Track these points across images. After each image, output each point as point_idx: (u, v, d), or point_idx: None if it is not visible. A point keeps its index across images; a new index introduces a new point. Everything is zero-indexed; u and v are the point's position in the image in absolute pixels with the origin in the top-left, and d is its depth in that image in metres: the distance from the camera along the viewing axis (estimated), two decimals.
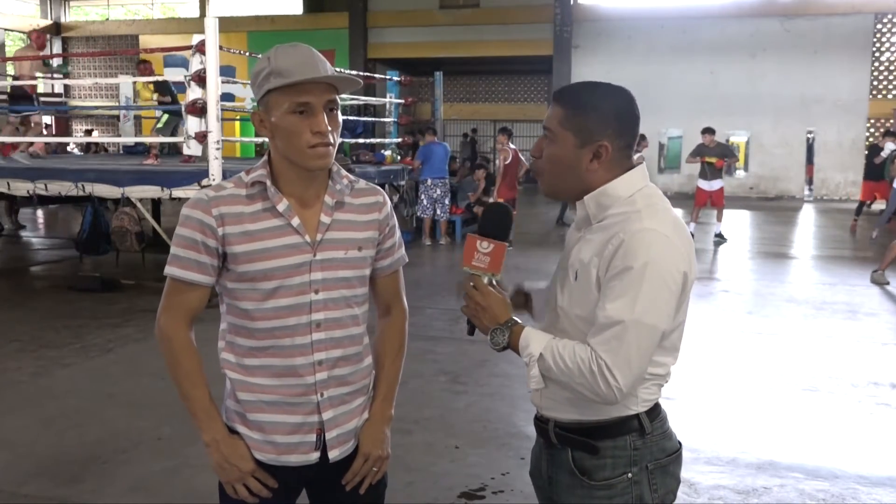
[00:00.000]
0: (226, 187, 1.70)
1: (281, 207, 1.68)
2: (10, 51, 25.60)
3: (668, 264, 1.49)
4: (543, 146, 1.64)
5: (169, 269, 1.70)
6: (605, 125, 1.57)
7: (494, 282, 1.67)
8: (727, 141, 20.98)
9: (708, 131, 11.88)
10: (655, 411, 1.63)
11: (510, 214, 1.74)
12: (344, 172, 1.77)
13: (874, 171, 13.24)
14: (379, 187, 1.86)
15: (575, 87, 1.63)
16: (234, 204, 1.67)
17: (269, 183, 1.68)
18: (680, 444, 1.70)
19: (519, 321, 1.63)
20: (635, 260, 1.47)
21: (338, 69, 1.81)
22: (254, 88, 1.67)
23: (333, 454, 1.74)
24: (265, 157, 1.74)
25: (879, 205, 14.37)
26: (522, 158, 11.43)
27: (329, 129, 1.64)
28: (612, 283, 1.50)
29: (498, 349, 1.63)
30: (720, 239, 11.81)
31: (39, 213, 15.06)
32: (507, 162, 10.75)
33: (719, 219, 11.99)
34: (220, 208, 1.66)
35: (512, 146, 10.89)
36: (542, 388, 1.58)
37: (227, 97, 11.48)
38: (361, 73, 13.40)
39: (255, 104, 1.72)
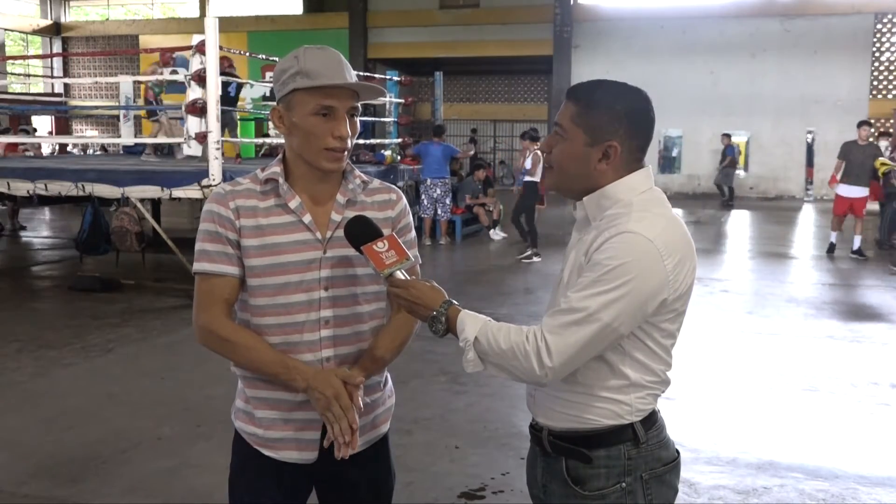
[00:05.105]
0: (242, 183, 1.73)
1: (293, 204, 1.70)
2: (10, 51, 25.62)
3: (644, 276, 1.46)
4: (554, 142, 1.62)
5: (198, 266, 1.70)
6: (616, 125, 1.55)
7: (404, 271, 1.63)
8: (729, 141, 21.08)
9: (865, 124, 9.99)
10: (651, 420, 1.61)
11: (362, 217, 1.68)
12: (357, 172, 1.78)
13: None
14: (394, 185, 1.87)
15: (590, 85, 1.61)
16: (249, 198, 1.70)
17: (281, 180, 1.70)
18: (678, 452, 1.67)
19: (454, 302, 1.60)
20: (612, 259, 1.46)
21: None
22: (277, 85, 1.68)
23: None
24: (280, 156, 1.76)
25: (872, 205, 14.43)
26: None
27: (349, 134, 1.66)
28: (584, 273, 1.50)
29: (439, 336, 1.59)
30: (859, 256, 9.96)
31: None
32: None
33: (857, 231, 10.08)
34: (236, 201, 1.69)
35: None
36: (481, 369, 1.55)
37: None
38: (361, 73, 13.39)
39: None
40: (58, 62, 25.88)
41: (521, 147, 10.98)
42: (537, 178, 10.11)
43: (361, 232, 1.64)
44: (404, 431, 4.00)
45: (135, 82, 13.00)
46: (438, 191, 11.12)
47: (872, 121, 10.14)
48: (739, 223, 14.99)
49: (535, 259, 9.78)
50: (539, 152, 10.22)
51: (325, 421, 1.64)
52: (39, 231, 13.24)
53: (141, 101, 11.33)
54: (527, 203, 10.12)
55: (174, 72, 9.28)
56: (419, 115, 21.70)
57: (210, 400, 4.46)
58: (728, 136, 18.07)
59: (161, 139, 9.68)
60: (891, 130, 12.26)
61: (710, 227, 13.61)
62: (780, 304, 7.44)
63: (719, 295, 7.81)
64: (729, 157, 17.89)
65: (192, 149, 7.46)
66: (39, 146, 14.12)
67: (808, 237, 13.43)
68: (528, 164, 10.19)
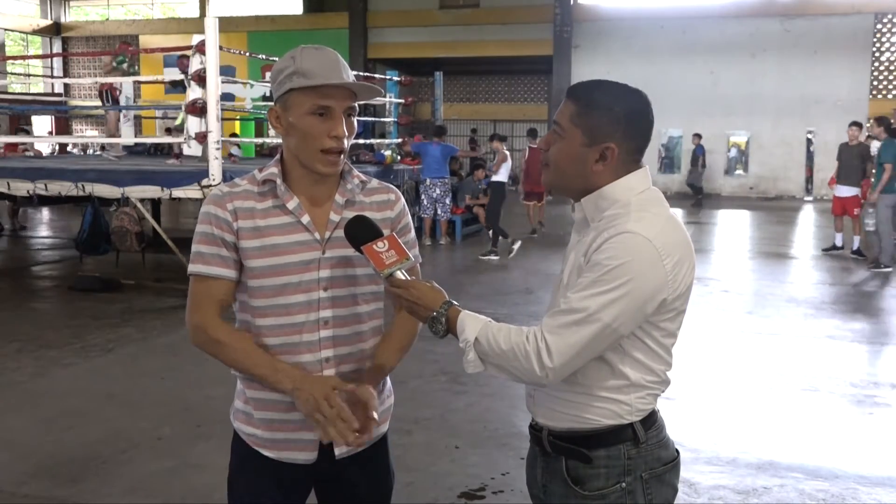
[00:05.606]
0: (240, 184, 1.73)
1: (291, 205, 1.69)
2: (10, 51, 25.63)
3: (643, 276, 1.46)
4: (552, 140, 1.62)
5: (192, 268, 1.70)
6: (614, 127, 1.55)
7: (405, 271, 1.63)
8: (728, 141, 21.11)
9: (854, 125, 10.21)
10: (651, 420, 1.61)
11: (362, 217, 1.67)
12: (356, 172, 1.78)
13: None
14: (392, 185, 1.86)
15: (590, 85, 1.61)
16: (247, 199, 1.70)
17: (279, 181, 1.70)
18: (678, 452, 1.68)
19: (454, 303, 1.60)
20: (612, 259, 1.46)
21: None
22: (274, 85, 1.68)
23: (340, 450, 1.72)
24: (278, 156, 1.76)
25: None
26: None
27: (345, 134, 1.66)
28: (584, 274, 1.50)
29: (439, 336, 1.59)
30: (859, 256, 10.01)
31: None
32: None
33: (856, 231, 10.16)
34: (234, 203, 1.69)
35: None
36: (481, 370, 1.55)
37: (227, 97, 11.45)
38: (361, 73, 13.39)
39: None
40: (58, 62, 25.88)
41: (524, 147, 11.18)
42: (502, 178, 10.62)
43: (361, 232, 1.64)
44: (404, 431, 4.00)
45: (135, 82, 12.99)
46: (438, 191, 11.13)
47: (872, 120, 10.23)
48: (739, 224, 14.97)
49: (493, 258, 9.95)
50: (506, 152, 10.56)
51: (313, 423, 1.59)
52: (39, 231, 13.24)
53: (104, 97, 11.45)
54: (493, 203, 10.39)
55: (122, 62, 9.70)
56: (419, 115, 21.70)
57: (210, 400, 4.46)
58: (699, 136, 18.20)
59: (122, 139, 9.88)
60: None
61: (708, 227, 13.60)
62: (780, 304, 7.43)
63: (719, 295, 7.81)
64: (699, 156, 18.09)
65: (192, 149, 7.45)
66: (33, 145, 14.14)
67: (807, 237, 13.42)
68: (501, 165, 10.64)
